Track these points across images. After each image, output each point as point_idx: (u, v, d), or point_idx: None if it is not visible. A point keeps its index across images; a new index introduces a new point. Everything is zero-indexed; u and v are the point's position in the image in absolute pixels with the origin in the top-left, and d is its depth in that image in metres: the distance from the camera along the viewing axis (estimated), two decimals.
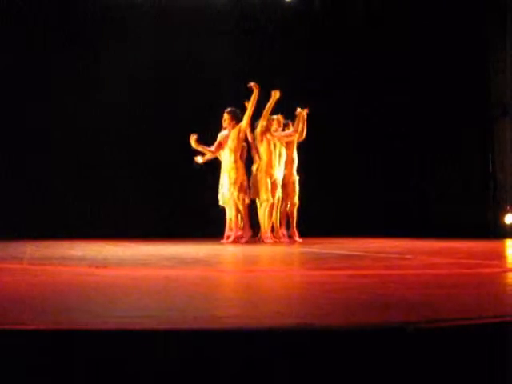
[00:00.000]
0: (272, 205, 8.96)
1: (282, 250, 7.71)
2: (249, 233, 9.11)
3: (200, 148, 9.29)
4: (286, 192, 9.31)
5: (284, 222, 9.42)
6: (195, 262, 5.75)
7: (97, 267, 4.58)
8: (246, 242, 8.89)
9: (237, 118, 9.03)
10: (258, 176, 9.01)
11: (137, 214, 11.00)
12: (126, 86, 10.95)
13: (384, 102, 11.61)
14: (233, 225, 9.14)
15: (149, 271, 4.57)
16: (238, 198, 8.97)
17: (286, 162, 9.21)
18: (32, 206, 10.68)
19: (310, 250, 7.53)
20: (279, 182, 9.12)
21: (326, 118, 11.03)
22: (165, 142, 11.10)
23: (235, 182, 8.97)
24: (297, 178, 9.41)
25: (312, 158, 9.54)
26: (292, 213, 9.42)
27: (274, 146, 9.00)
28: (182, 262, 5.58)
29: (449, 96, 11.27)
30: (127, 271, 4.59)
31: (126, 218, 10.91)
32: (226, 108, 9.11)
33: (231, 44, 11.29)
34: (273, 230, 9.25)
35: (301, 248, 7.93)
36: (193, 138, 9.20)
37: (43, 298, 3.04)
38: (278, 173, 9.08)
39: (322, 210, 10.79)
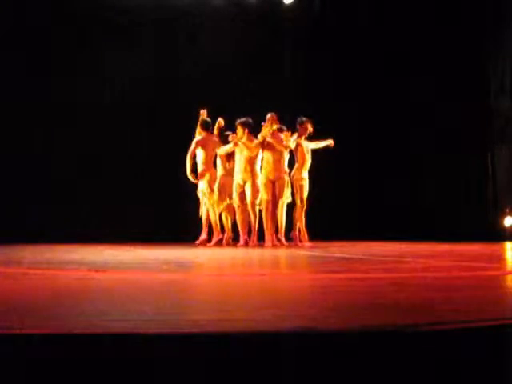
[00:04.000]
0: (240, 208, 8.93)
1: (282, 253, 7.71)
2: (217, 236, 9.19)
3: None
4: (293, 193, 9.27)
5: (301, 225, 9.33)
6: (194, 266, 5.75)
7: (96, 271, 4.57)
8: (214, 245, 8.99)
9: (204, 127, 9.22)
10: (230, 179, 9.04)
11: (136, 218, 10.97)
12: (126, 88, 10.97)
13: (385, 105, 11.61)
14: (214, 228, 9.28)
15: (148, 275, 4.56)
16: (207, 202, 9.19)
17: (298, 161, 9.18)
18: (31, 210, 10.65)
19: (311, 253, 7.53)
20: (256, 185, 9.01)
21: (329, 121, 11.03)
22: (164, 146, 11.08)
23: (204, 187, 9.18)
24: (305, 179, 9.27)
25: (313, 161, 9.50)
26: (296, 215, 9.27)
27: (241, 151, 8.95)
28: (181, 266, 5.57)
29: (449, 97, 11.26)
30: (126, 275, 4.58)
31: (126, 221, 10.88)
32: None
33: (231, 45, 11.33)
34: (277, 232, 9.17)
35: (301, 251, 7.92)
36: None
37: (39, 302, 3.03)
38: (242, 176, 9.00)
39: (322, 214, 10.76)
